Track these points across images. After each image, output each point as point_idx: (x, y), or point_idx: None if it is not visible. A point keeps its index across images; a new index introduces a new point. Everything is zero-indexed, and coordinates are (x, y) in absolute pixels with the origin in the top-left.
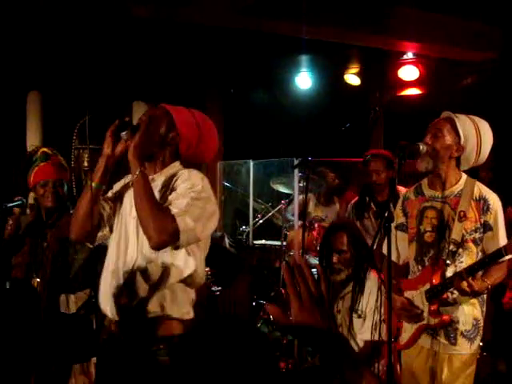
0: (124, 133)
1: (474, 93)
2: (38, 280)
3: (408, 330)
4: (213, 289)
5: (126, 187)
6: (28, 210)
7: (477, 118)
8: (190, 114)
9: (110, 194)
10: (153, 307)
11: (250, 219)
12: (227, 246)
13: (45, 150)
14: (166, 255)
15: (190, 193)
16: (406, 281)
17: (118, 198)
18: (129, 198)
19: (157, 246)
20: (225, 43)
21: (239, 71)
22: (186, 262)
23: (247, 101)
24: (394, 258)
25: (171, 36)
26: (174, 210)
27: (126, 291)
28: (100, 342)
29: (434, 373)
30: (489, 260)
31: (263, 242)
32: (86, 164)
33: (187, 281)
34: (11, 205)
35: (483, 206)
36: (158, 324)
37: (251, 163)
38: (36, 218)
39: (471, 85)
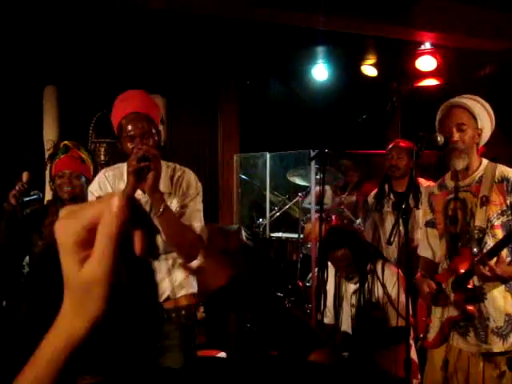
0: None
1: (492, 83)
2: None
3: (435, 325)
4: None
5: (118, 181)
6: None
7: (475, 97)
8: (155, 105)
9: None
10: (174, 291)
11: (267, 212)
12: (244, 238)
13: (66, 142)
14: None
15: (197, 197)
16: (438, 276)
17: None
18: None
19: (190, 260)
20: (241, 35)
21: (255, 63)
22: None
23: (263, 93)
24: (429, 255)
25: (188, 28)
26: (195, 224)
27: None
28: None
29: (465, 372)
30: (506, 240)
31: (280, 234)
32: (102, 158)
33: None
34: (28, 199)
35: (507, 186)
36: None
37: (268, 155)
38: (56, 204)
39: (489, 75)
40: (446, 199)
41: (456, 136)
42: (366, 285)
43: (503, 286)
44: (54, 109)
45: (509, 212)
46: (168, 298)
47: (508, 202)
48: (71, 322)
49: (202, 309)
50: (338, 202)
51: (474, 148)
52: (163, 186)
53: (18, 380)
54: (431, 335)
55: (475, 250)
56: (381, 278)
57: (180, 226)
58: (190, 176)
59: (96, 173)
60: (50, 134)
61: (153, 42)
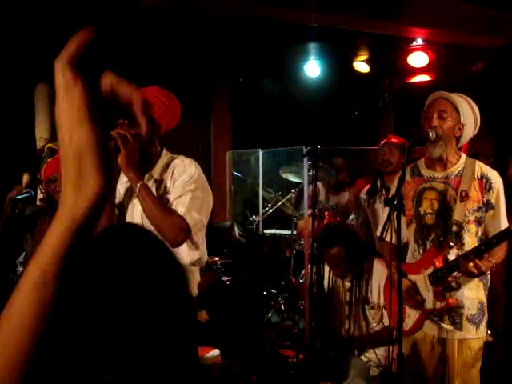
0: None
1: (484, 79)
2: None
3: (412, 315)
4: (223, 279)
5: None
6: (38, 202)
7: (463, 95)
8: (155, 97)
9: None
10: None
11: (260, 208)
12: (237, 235)
13: (50, 145)
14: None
15: (190, 185)
16: (408, 265)
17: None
18: (127, 196)
19: (175, 246)
20: (233, 32)
21: (247, 60)
22: (192, 246)
23: (256, 89)
24: (393, 240)
25: (180, 25)
26: (180, 209)
27: None
28: None
29: (441, 359)
30: (496, 241)
31: (273, 231)
32: None
33: (195, 264)
34: (20, 197)
35: (485, 184)
36: None
37: (260, 152)
38: (50, 207)
39: (481, 71)
40: (420, 187)
41: (435, 122)
42: (360, 283)
43: (477, 278)
44: (46, 107)
45: (483, 209)
46: None
47: (485, 199)
48: (72, 203)
49: (204, 313)
50: (334, 202)
51: (452, 140)
52: (158, 173)
53: (24, 275)
54: (407, 324)
55: (451, 243)
56: (374, 276)
57: (159, 208)
58: (186, 164)
59: None
60: (42, 131)
61: (146, 39)
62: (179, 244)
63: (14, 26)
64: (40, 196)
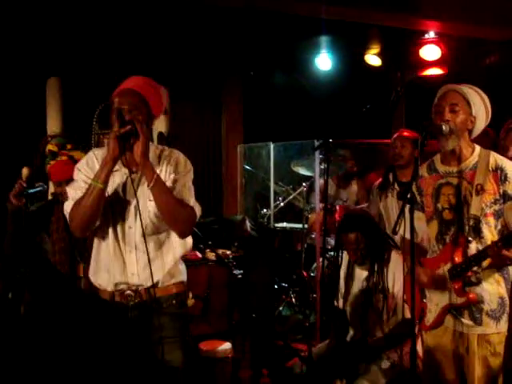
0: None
1: (497, 72)
2: (82, 265)
3: (433, 310)
4: (235, 272)
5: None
6: (50, 197)
7: (473, 87)
8: (151, 87)
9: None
10: (164, 278)
11: (271, 202)
12: (248, 229)
13: (50, 147)
14: (164, 235)
15: (189, 174)
16: (427, 260)
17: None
18: (118, 186)
19: (184, 236)
20: (245, 25)
21: (259, 53)
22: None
23: (267, 83)
24: (406, 234)
25: (191, 18)
26: (189, 198)
27: (131, 267)
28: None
29: (461, 354)
30: None
31: (284, 224)
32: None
33: (186, 254)
34: (32, 191)
35: (501, 175)
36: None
37: (271, 146)
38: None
39: (494, 64)
40: (437, 183)
41: (448, 116)
42: (377, 272)
43: (496, 272)
44: (57, 100)
45: (501, 201)
46: (157, 284)
47: (501, 190)
48: None
49: (190, 295)
50: (344, 195)
51: (465, 133)
52: (152, 163)
53: None
54: (429, 319)
55: (470, 238)
56: (391, 266)
57: (173, 199)
58: (179, 155)
59: None
60: (53, 125)
61: (156, 33)
62: (188, 235)
63: (26, 19)
64: (52, 190)
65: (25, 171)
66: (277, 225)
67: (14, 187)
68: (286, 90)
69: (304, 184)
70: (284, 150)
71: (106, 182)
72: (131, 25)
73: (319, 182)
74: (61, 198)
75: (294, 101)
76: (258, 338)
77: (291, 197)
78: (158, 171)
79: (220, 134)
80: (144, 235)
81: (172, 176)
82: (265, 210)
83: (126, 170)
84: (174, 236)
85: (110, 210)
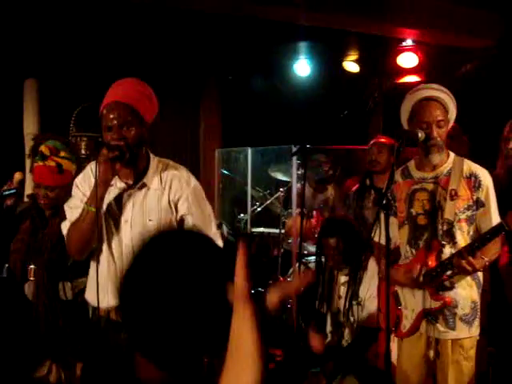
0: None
1: (474, 80)
2: (33, 267)
3: (409, 316)
4: None
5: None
6: (26, 199)
7: (443, 88)
8: (142, 95)
9: (84, 198)
10: None
11: (248, 207)
12: (225, 234)
13: (43, 150)
14: None
15: (200, 199)
16: (400, 265)
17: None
18: (113, 202)
19: None
20: (223, 29)
21: (237, 58)
22: None
23: (245, 88)
24: (381, 240)
25: (170, 22)
26: (210, 232)
27: None
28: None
29: (434, 359)
30: (490, 236)
31: (261, 229)
32: (83, 152)
33: None
34: (7, 193)
35: (474, 182)
36: None
37: (249, 150)
38: (35, 206)
39: (471, 72)
40: (411, 189)
41: (436, 132)
42: (353, 278)
43: (469, 276)
44: (34, 102)
45: (474, 207)
46: None
47: (474, 197)
48: None
49: None
50: (321, 199)
51: (444, 142)
52: (152, 182)
53: None
54: (405, 326)
55: (443, 242)
56: (368, 273)
57: None
58: (184, 175)
59: (78, 167)
60: (30, 127)
61: (134, 36)
62: None
63: (3, 21)
64: (28, 192)
65: (17, 176)
66: (254, 229)
67: (3, 187)
68: (264, 95)
69: (281, 189)
70: (262, 155)
71: (98, 205)
72: (110, 27)
73: (296, 188)
74: (39, 200)
75: (272, 106)
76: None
77: (268, 202)
78: (157, 189)
79: (198, 138)
80: None
81: (179, 197)
82: (242, 215)
83: (123, 185)
84: None
85: (105, 227)
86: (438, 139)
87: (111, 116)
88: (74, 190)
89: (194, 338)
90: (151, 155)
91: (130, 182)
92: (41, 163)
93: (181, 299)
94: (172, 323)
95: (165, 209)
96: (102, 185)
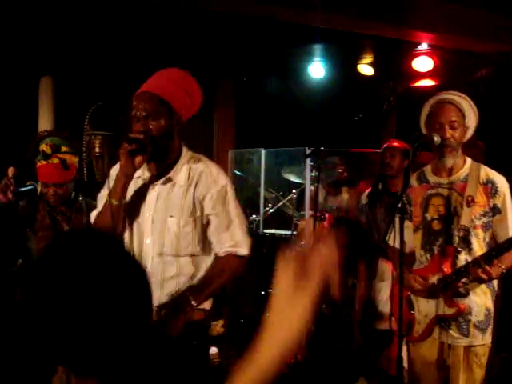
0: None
1: (489, 85)
2: None
3: (422, 321)
4: None
5: (137, 183)
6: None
7: (464, 95)
8: (177, 86)
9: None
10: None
11: (261, 208)
12: None
13: (44, 148)
14: (187, 257)
15: (230, 199)
16: (415, 270)
17: (136, 196)
18: (139, 192)
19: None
20: (238, 31)
21: (252, 59)
22: (204, 261)
23: (260, 89)
24: (396, 244)
25: (185, 23)
26: (237, 234)
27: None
28: None
29: (447, 365)
30: (508, 246)
31: (273, 231)
32: (97, 150)
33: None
34: (23, 189)
35: (491, 189)
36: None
37: (263, 152)
38: (46, 203)
39: (485, 77)
40: (427, 193)
41: (449, 133)
42: (364, 281)
43: (484, 284)
44: (49, 100)
45: (490, 214)
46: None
47: (491, 204)
48: None
49: (221, 323)
50: (334, 203)
51: (460, 145)
52: (179, 177)
53: None
54: (417, 330)
55: (459, 249)
56: (379, 276)
57: (215, 285)
58: (214, 174)
59: (88, 165)
60: (45, 124)
61: (150, 36)
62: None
63: (19, 18)
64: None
65: (10, 171)
66: (266, 231)
67: (1, 183)
68: (278, 97)
69: (294, 191)
70: (275, 157)
71: (120, 198)
72: (125, 26)
73: (309, 190)
74: (48, 198)
75: (286, 108)
76: (245, 344)
77: (281, 203)
78: (183, 185)
79: (212, 139)
80: (162, 254)
81: (204, 197)
82: (254, 216)
83: (149, 177)
84: (199, 265)
85: (128, 220)
86: (452, 140)
87: (138, 105)
88: (108, 180)
89: (107, 339)
90: (184, 149)
91: (155, 175)
92: (44, 162)
93: (89, 301)
94: (82, 327)
95: (188, 206)
96: (122, 178)
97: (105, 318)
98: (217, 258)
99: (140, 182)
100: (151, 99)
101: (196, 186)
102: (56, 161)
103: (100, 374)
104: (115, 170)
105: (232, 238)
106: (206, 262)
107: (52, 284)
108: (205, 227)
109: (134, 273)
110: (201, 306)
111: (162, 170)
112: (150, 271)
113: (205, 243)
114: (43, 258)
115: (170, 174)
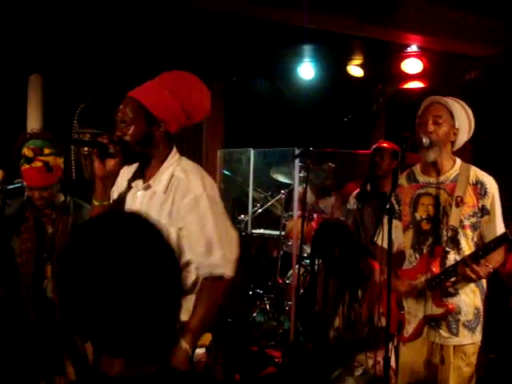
0: (111, 149)
1: (478, 87)
2: (49, 264)
3: (412, 322)
4: None
5: (126, 183)
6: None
7: (457, 99)
8: (161, 89)
9: (115, 193)
10: None
11: (249, 208)
12: None
13: (26, 152)
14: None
15: (207, 212)
16: (404, 270)
17: (121, 197)
18: (129, 198)
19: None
20: (228, 31)
21: (242, 59)
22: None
23: (249, 89)
24: (384, 244)
25: (174, 22)
26: (198, 249)
27: None
28: None
29: (435, 365)
30: (494, 245)
31: (262, 231)
32: (85, 149)
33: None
34: (11, 187)
35: (480, 189)
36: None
37: (252, 152)
38: (32, 206)
39: (474, 79)
40: (416, 193)
41: (431, 127)
42: (351, 282)
43: (473, 283)
44: (38, 98)
45: (479, 214)
46: None
47: (480, 204)
48: None
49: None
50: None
51: (447, 145)
52: (159, 185)
53: None
54: (408, 331)
55: (448, 248)
56: (366, 276)
57: (207, 308)
58: (190, 180)
59: (76, 163)
60: (33, 122)
61: (141, 35)
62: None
63: (8, 16)
64: None
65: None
66: (254, 231)
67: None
68: (267, 97)
69: (283, 191)
70: (264, 157)
71: (102, 199)
72: (116, 25)
73: (298, 190)
74: (35, 201)
75: (275, 108)
76: (232, 344)
77: (269, 203)
78: (161, 194)
79: (201, 138)
80: None
81: (179, 207)
82: (242, 216)
83: (139, 183)
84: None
85: None
86: (434, 135)
87: (118, 110)
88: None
89: (136, 320)
90: (172, 156)
91: (141, 182)
92: (27, 166)
93: (119, 282)
94: (112, 307)
95: (166, 216)
96: (97, 180)
97: (137, 299)
98: (200, 284)
99: (130, 188)
100: (130, 104)
101: (174, 195)
102: (39, 164)
103: (128, 354)
104: (125, 170)
105: (208, 257)
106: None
107: (86, 265)
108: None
109: (165, 254)
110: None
111: (145, 176)
112: None
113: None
114: (76, 239)
115: (150, 182)
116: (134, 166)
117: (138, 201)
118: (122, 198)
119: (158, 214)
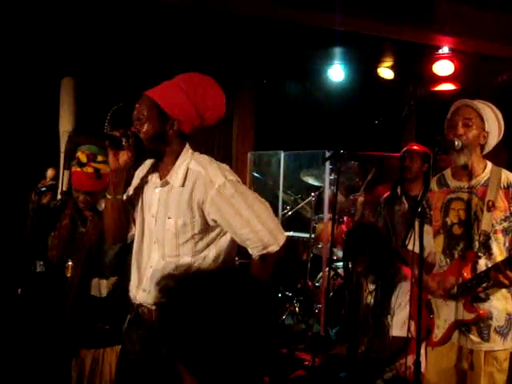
0: (123, 142)
1: (510, 89)
2: (71, 263)
3: (441, 326)
4: None
5: (142, 182)
6: (59, 196)
7: (487, 102)
8: (176, 89)
9: (131, 191)
10: None
11: (279, 210)
12: None
13: (80, 156)
14: (187, 257)
15: (234, 197)
16: (435, 275)
17: (138, 195)
18: (147, 194)
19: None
20: (258, 33)
21: (272, 62)
22: (206, 258)
23: (280, 92)
24: (415, 249)
25: (206, 25)
26: (256, 243)
27: (153, 284)
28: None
29: (465, 371)
30: None
31: (291, 233)
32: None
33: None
34: (44, 188)
35: None
36: None
37: (282, 154)
38: (74, 205)
39: (507, 81)
40: (447, 197)
41: (461, 130)
42: (381, 287)
43: (504, 289)
44: (70, 100)
45: (511, 218)
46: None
47: None
48: None
49: None
50: (350, 203)
51: (477, 148)
52: (176, 180)
53: None
54: (437, 335)
55: (480, 254)
56: (397, 281)
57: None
58: (208, 173)
59: None
60: (65, 125)
61: (171, 38)
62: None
63: (41, 19)
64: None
65: (50, 172)
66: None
67: (38, 186)
68: (298, 100)
69: (313, 194)
70: (294, 159)
71: (116, 193)
72: (147, 29)
73: (328, 193)
74: (79, 204)
75: (305, 110)
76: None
77: (299, 206)
78: (179, 188)
79: (231, 141)
80: (164, 255)
81: (204, 200)
82: None
83: (154, 179)
84: (201, 267)
85: (140, 221)
86: (463, 138)
87: (135, 108)
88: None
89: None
90: (185, 152)
91: (158, 179)
92: (79, 169)
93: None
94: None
95: (183, 207)
96: (111, 173)
97: (236, 340)
98: (257, 263)
99: (149, 186)
100: (145, 103)
101: (193, 188)
102: (90, 170)
103: (206, 378)
104: (140, 171)
105: (255, 238)
106: (210, 265)
107: (193, 308)
108: (208, 232)
109: (266, 304)
110: None
111: (163, 173)
112: (153, 273)
113: (206, 247)
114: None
115: (167, 177)
116: (150, 167)
117: (156, 197)
118: (138, 195)
119: (176, 205)
